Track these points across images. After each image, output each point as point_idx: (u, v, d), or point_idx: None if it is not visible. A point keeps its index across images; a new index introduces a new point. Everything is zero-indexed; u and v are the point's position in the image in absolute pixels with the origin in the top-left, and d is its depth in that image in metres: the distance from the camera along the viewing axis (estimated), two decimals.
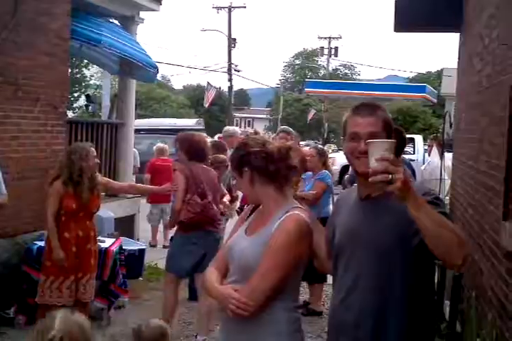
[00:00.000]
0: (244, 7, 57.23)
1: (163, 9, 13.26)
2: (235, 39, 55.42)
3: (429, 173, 12.62)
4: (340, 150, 29.64)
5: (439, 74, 47.16)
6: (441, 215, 2.89)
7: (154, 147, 15.16)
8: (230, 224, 8.26)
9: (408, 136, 12.25)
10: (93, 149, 7.42)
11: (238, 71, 54.83)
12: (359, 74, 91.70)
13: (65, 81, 9.77)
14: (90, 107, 18.28)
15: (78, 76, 52.76)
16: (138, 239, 11.86)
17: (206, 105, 42.70)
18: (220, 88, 54.71)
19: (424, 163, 16.26)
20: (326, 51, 70.78)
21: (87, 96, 19.66)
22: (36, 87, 8.83)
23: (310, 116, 55.68)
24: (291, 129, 10.05)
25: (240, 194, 9.05)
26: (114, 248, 8.26)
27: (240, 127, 66.79)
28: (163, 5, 13.23)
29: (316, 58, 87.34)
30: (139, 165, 16.72)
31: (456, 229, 2.89)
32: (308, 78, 70.41)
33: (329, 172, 9.13)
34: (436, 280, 3.97)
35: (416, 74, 71.01)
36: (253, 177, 3.60)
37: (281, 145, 3.63)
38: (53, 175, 7.38)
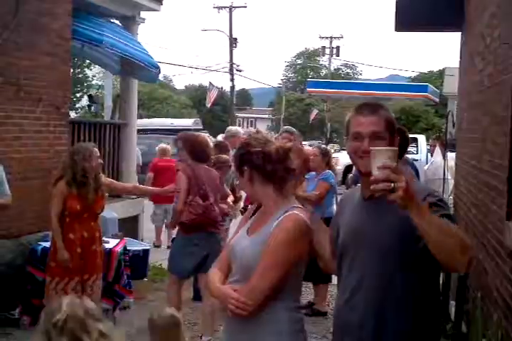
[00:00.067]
0: (245, 7, 57.22)
1: (164, 9, 13.31)
2: (236, 39, 55.40)
3: (432, 173, 12.62)
4: (343, 150, 29.66)
5: (441, 73, 47.13)
6: (445, 221, 2.89)
7: (156, 147, 15.14)
8: (233, 225, 8.26)
9: (411, 135, 12.24)
10: (96, 149, 7.41)
11: (240, 71, 54.88)
12: (361, 74, 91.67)
13: (66, 81, 9.78)
14: (93, 107, 18.29)
15: (80, 76, 52.84)
16: (142, 240, 11.86)
17: (208, 105, 42.71)
18: (222, 88, 54.77)
19: (427, 163, 16.24)
20: (327, 51, 70.77)
21: (90, 97, 19.67)
22: (38, 88, 8.83)
23: (312, 116, 55.64)
24: (294, 129, 10.03)
25: (243, 194, 9.04)
26: (119, 248, 8.26)
27: (243, 127, 66.79)
28: (164, 5, 13.29)
29: (318, 58, 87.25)
30: (141, 164, 16.70)
31: (460, 234, 2.88)
32: (310, 78, 70.40)
33: (333, 172, 9.11)
34: (441, 281, 3.97)
35: (418, 73, 70.85)
36: (252, 176, 3.61)
37: (281, 145, 3.62)
38: (56, 175, 7.38)
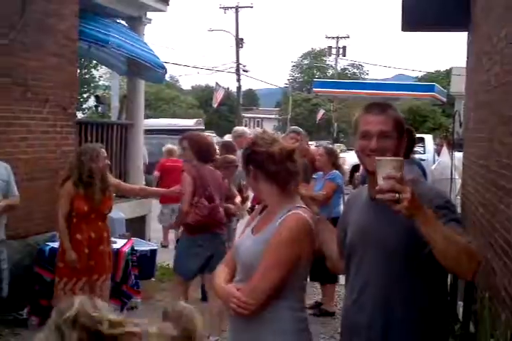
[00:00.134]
0: (252, 7, 57.39)
1: (170, 10, 13.30)
2: (242, 39, 55.50)
3: (440, 173, 12.58)
4: (350, 150, 29.64)
5: (448, 73, 47.07)
6: (452, 228, 2.89)
7: (163, 148, 15.14)
8: (241, 225, 8.26)
9: (418, 135, 12.23)
10: (103, 150, 7.42)
11: (246, 71, 54.89)
12: (367, 74, 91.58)
13: (73, 82, 9.79)
14: (100, 108, 18.33)
15: (87, 77, 52.85)
16: (149, 240, 11.87)
17: (215, 105, 42.77)
18: (228, 88, 54.79)
19: (434, 163, 16.20)
20: (334, 51, 70.77)
21: (97, 97, 19.72)
22: (45, 88, 8.84)
23: (319, 116, 55.65)
24: (301, 129, 10.02)
25: (250, 194, 9.03)
26: (126, 249, 8.27)
27: (249, 127, 66.79)
28: (170, 5, 13.29)
29: (324, 58, 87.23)
30: (147, 163, 16.66)
31: (467, 243, 2.87)
32: (317, 78, 70.40)
33: (341, 171, 9.10)
34: (449, 281, 3.97)
35: (425, 73, 70.70)
36: (257, 175, 3.64)
37: (285, 146, 3.62)
38: (63, 176, 7.39)
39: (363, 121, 3.22)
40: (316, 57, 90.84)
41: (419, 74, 71.98)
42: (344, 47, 69.72)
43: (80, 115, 35.99)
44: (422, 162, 9.58)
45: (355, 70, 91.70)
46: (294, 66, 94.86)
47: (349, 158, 21.68)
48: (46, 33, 8.84)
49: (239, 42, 54.29)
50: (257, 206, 4.51)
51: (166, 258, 10.64)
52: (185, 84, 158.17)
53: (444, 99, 38.10)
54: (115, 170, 11.34)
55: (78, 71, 13.92)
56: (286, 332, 3.49)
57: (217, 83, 41.54)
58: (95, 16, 11.02)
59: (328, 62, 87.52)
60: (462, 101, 17.63)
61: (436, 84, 38.52)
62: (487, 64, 7.37)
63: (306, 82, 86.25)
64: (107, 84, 50.60)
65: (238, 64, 52.97)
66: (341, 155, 12.84)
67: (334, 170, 8.86)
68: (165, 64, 12.68)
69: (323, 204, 7.83)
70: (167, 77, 18.51)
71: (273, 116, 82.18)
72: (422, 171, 7.90)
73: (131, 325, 1.78)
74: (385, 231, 3.13)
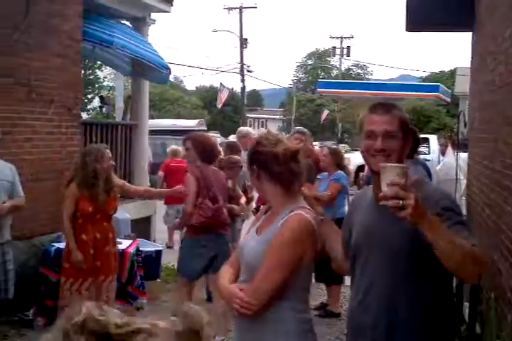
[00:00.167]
0: (255, 7, 57.48)
1: (174, 10, 13.30)
2: (246, 39, 55.49)
3: (444, 173, 12.57)
4: (354, 150, 29.64)
5: (453, 73, 47.02)
6: (458, 231, 2.90)
7: (168, 149, 15.15)
8: (246, 225, 8.25)
9: (422, 135, 12.21)
10: (108, 151, 7.41)
11: (250, 72, 54.91)
12: (372, 74, 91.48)
13: (78, 82, 9.79)
14: (104, 109, 18.35)
15: (91, 77, 52.95)
16: (154, 241, 11.88)
17: (219, 106, 42.80)
18: (232, 89, 54.76)
19: (438, 163, 16.20)
20: (338, 51, 70.76)
21: (101, 98, 19.74)
22: (49, 89, 8.84)
23: (324, 116, 55.63)
24: (305, 130, 10.00)
25: (255, 195, 9.02)
26: (131, 249, 8.27)
27: (254, 128, 66.80)
28: (175, 6, 13.27)
29: (329, 58, 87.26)
30: (152, 161, 16.64)
31: (471, 248, 2.87)
32: (321, 78, 70.35)
33: (346, 172, 9.07)
34: (454, 282, 3.96)
35: (429, 73, 70.60)
36: (260, 175, 3.65)
37: (289, 146, 3.62)
38: (68, 177, 7.39)
39: (368, 121, 3.22)
40: (320, 57, 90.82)
41: (424, 75, 71.91)
42: (348, 48, 69.79)
43: (84, 116, 36.00)
44: (427, 162, 9.58)
45: (359, 71, 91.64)
46: (298, 66, 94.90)
47: (354, 159, 21.70)
48: (50, 34, 8.85)
49: (243, 43, 54.30)
50: (262, 206, 4.51)
51: (171, 259, 10.63)
52: (190, 85, 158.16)
53: (449, 100, 38.01)
54: (120, 171, 11.35)
55: (82, 72, 13.95)
56: (289, 333, 3.50)
57: (221, 84, 41.60)
58: (99, 17, 11.03)
59: (332, 63, 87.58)
60: (467, 101, 17.61)
61: (441, 85, 38.38)
62: (491, 64, 7.35)
63: (310, 82, 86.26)
64: (111, 84, 50.72)
65: (242, 64, 52.99)
66: (346, 155, 12.84)
67: (339, 171, 8.83)
68: (169, 64, 12.67)
69: (327, 205, 7.81)
70: (171, 78, 18.48)
71: (277, 117, 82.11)
72: (427, 172, 7.89)
73: (139, 322, 1.78)
74: (390, 232, 3.12)
